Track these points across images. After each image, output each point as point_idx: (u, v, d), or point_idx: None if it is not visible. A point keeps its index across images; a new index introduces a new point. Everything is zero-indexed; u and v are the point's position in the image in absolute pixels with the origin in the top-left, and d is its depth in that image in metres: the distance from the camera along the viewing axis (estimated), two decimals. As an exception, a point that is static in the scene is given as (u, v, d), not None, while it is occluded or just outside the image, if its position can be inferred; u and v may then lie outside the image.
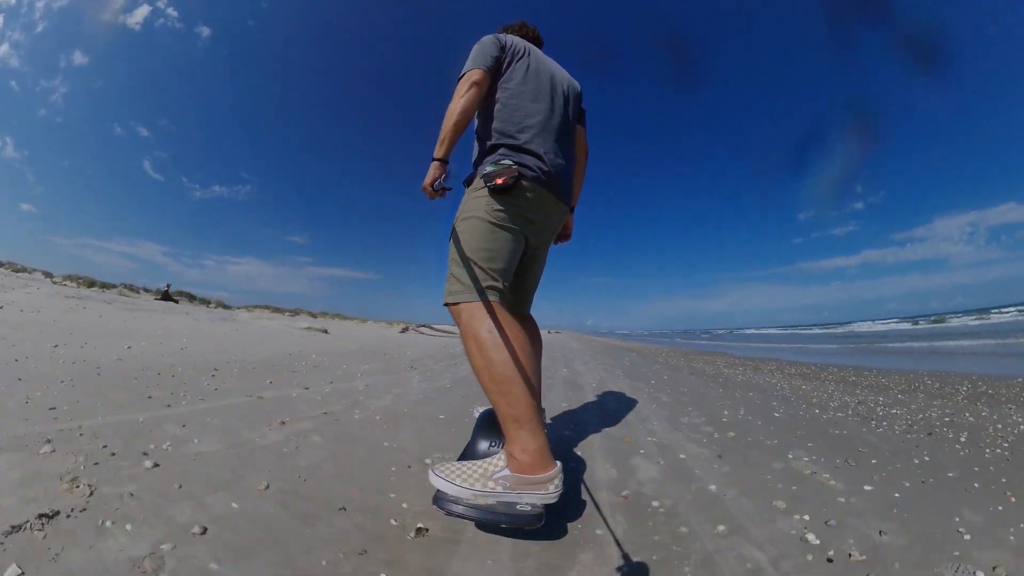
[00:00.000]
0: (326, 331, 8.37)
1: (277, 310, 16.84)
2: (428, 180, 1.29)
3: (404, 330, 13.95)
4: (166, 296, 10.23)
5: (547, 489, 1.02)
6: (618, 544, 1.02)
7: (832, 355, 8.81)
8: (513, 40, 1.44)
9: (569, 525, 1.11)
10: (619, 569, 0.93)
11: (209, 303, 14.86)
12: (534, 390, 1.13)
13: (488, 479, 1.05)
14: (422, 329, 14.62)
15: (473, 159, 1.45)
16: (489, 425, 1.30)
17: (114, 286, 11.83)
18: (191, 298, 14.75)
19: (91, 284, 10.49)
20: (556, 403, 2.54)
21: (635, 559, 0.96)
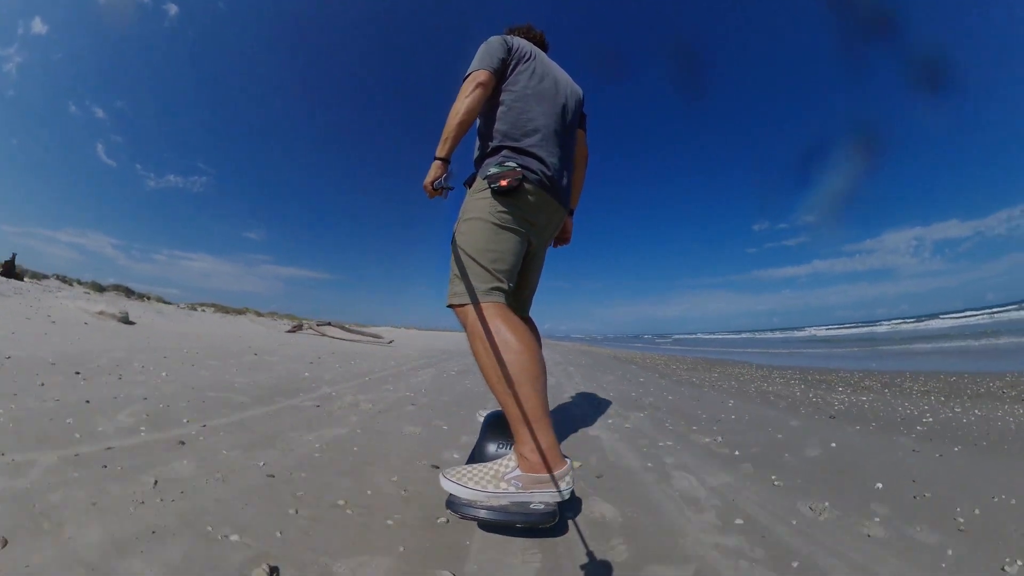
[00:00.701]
0: (127, 320, 5.79)
1: (221, 308, 15.89)
2: (429, 179, 1.32)
3: (294, 329, 9.75)
4: (7, 271, 8.58)
5: (559, 487, 1.06)
6: (584, 542, 1.04)
7: (876, 359, 7.55)
8: (520, 43, 1.49)
9: (570, 521, 1.16)
10: (611, 563, 0.96)
11: (147, 298, 13.82)
12: (542, 390, 1.18)
13: (500, 480, 1.08)
14: (325, 329, 10.18)
15: (474, 158, 1.48)
16: (495, 427, 1.33)
17: (46, 276, 10.95)
18: (128, 293, 13.64)
19: (20, 276, 9.61)
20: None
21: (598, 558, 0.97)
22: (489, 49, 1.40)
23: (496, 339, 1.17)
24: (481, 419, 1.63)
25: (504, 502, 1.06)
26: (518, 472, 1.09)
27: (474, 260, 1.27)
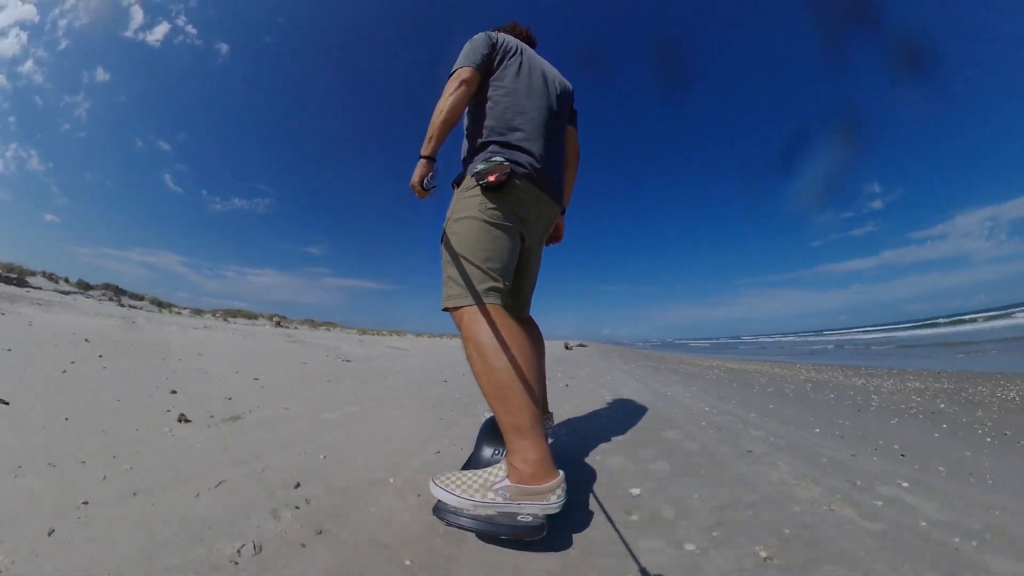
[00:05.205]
0: None
1: (233, 313, 16.64)
2: (416, 178, 1.42)
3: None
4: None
5: (548, 500, 1.15)
6: (633, 557, 1.12)
7: None
8: (505, 38, 1.59)
9: (575, 536, 1.23)
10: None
11: (141, 298, 14.60)
12: (536, 397, 1.26)
13: (488, 489, 1.17)
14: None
15: (462, 157, 1.60)
16: (494, 432, 1.45)
17: (34, 274, 12.03)
18: (118, 292, 14.46)
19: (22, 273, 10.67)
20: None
21: (652, 572, 1.06)
22: (473, 46, 1.51)
23: (489, 344, 1.26)
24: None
25: (491, 512, 1.15)
26: (507, 482, 1.17)
27: (468, 260, 1.37)
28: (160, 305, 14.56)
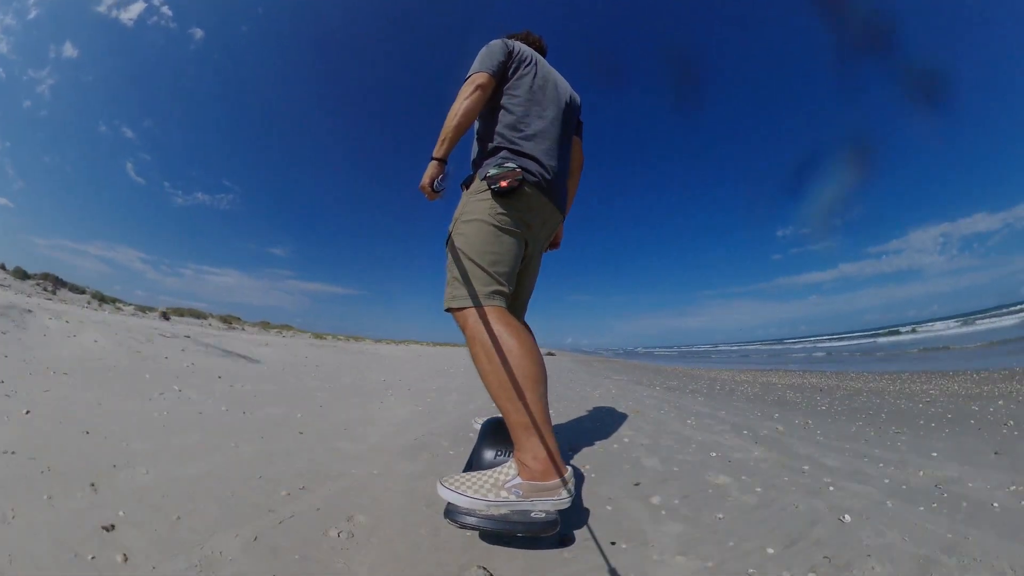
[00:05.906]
0: None
1: (181, 312, 15.77)
2: (427, 179, 1.45)
3: None
4: None
5: (560, 495, 1.20)
6: (603, 555, 1.15)
7: None
8: (520, 47, 1.66)
9: (576, 533, 1.28)
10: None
11: (83, 291, 13.61)
12: (544, 396, 1.31)
13: (500, 488, 1.20)
14: None
15: (472, 159, 1.65)
16: (494, 434, 1.47)
17: None
18: (57, 282, 13.44)
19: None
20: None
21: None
22: (490, 52, 1.57)
23: (498, 344, 1.30)
24: (477, 426, 1.72)
25: (504, 511, 1.17)
26: (519, 480, 1.21)
27: (474, 262, 1.40)
28: (102, 300, 13.59)
